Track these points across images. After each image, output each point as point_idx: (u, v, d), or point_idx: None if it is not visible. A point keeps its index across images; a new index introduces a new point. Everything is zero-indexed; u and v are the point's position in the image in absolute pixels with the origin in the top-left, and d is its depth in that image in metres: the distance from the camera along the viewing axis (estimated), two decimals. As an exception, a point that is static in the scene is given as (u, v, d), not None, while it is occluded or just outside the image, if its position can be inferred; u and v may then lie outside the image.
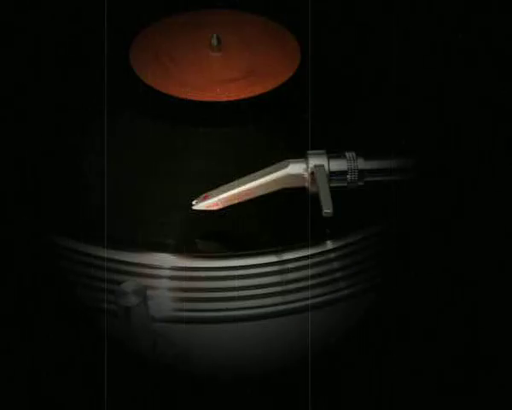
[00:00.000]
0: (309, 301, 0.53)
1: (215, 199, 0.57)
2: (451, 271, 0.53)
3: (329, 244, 0.56)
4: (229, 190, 0.57)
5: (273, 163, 0.58)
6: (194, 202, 0.57)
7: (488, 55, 0.62)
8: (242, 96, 0.69)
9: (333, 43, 0.78)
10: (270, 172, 0.57)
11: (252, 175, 0.57)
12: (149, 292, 0.49)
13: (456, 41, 0.61)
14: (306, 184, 0.57)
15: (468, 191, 0.56)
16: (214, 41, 0.73)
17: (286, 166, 0.57)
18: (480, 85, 0.60)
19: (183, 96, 0.69)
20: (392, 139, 0.64)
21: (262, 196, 0.57)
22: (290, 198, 0.58)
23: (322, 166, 0.56)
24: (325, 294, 0.54)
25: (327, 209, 0.53)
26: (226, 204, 0.57)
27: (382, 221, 0.57)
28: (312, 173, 0.56)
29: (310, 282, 0.54)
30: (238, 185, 0.57)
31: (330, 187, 0.55)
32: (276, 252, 0.55)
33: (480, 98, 0.60)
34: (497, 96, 0.60)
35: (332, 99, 0.71)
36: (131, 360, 0.48)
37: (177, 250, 0.56)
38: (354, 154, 0.57)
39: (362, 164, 0.57)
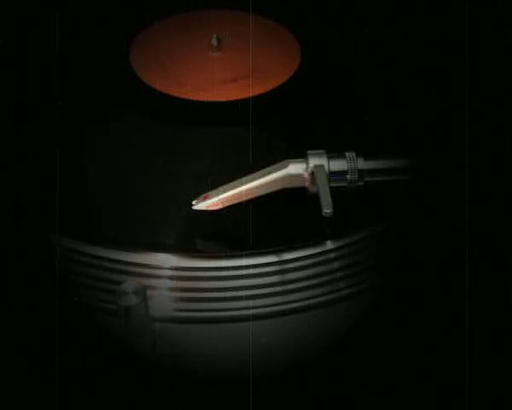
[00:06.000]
0: (309, 301, 0.53)
1: (215, 199, 0.57)
2: (451, 270, 0.53)
3: (329, 244, 0.56)
4: (229, 190, 0.57)
5: (273, 163, 0.58)
6: (194, 202, 0.57)
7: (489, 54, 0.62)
8: (242, 96, 0.69)
9: (333, 43, 0.78)
10: (270, 172, 0.57)
11: (252, 175, 0.57)
12: (149, 292, 0.49)
13: (455, 39, 0.61)
14: (306, 184, 0.57)
15: (468, 191, 0.56)
16: (214, 41, 0.73)
17: (286, 166, 0.57)
18: (481, 85, 0.60)
19: (183, 96, 0.69)
20: (393, 139, 0.64)
21: (262, 196, 0.57)
22: (290, 198, 0.58)
23: (322, 166, 0.57)
24: (325, 294, 0.54)
25: (327, 209, 0.53)
26: (226, 204, 0.57)
27: (382, 221, 0.58)
28: (312, 173, 0.56)
29: (310, 282, 0.54)
30: (238, 185, 0.57)
31: (330, 187, 0.55)
32: (276, 252, 0.55)
33: (480, 98, 0.60)
34: (498, 96, 0.60)
35: (332, 99, 0.71)
36: (131, 360, 0.48)
37: (177, 250, 0.56)
38: (354, 154, 0.58)
39: (362, 164, 0.57)
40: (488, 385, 0.50)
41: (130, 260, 0.55)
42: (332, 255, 0.56)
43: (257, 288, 0.54)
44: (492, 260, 0.54)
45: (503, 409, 0.50)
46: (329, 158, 0.57)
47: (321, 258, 0.55)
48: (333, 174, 0.57)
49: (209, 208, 0.57)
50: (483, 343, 0.51)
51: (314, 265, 0.55)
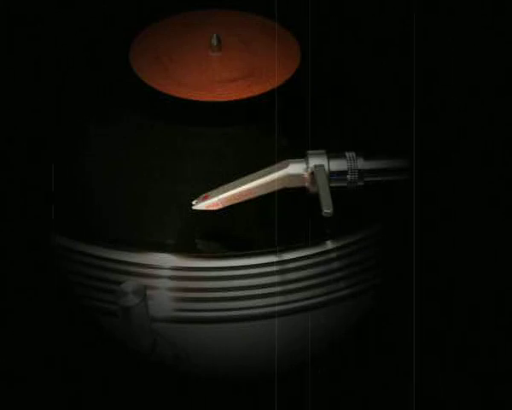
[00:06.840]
0: (309, 301, 0.53)
1: (215, 199, 0.57)
2: (451, 270, 0.53)
3: (329, 244, 0.56)
4: (229, 190, 0.57)
5: (273, 163, 0.58)
6: (194, 202, 0.57)
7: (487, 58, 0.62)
8: (242, 96, 0.69)
9: (333, 43, 0.78)
10: (270, 172, 0.57)
11: (252, 175, 0.57)
12: (149, 292, 0.49)
13: (453, 41, 0.61)
14: (306, 184, 0.57)
15: (467, 190, 0.56)
16: (214, 41, 0.73)
17: (286, 166, 0.57)
18: (481, 87, 0.60)
19: (183, 96, 0.69)
20: (392, 139, 0.64)
21: (262, 196, 0.57)
22: (290, 198, 0.58)
23: (322, 166, 0.57)
24: (325, 294, 0.54)
25: (327, 209, 0.53)
26: (226, 204, 0.57)
27: (382, 221, 0.58)
28: (312, 173, 0.56)
29: (310, 282, 0.54)
30: (238, 185, 0.57)
31: (330, 187, 0.55)
32: (276, 252, 0.55)
33: (480, 99, 0.60)
34: (497, 100, 0.60)
35: (332, 99, 0.71)
36: (131, 360, 0.48)
37: (177, 250, 0.56)
38: (354, 154, 0.58)
39: (362, 164, 0.57)
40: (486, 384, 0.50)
41: (130, 260, 0.55)
42: (332, 255, 0.56)
43: (257, 288, 0.54)
44: (491, 259, 0.54)
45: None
46: (329, 158, 0.57)
47: (321, 258, 0.55)
48: (333, 174, 0.57)
49: (209, 208, 0.57)
50: (481, 343, 0.51)
51: (314, 265, 0.55)
